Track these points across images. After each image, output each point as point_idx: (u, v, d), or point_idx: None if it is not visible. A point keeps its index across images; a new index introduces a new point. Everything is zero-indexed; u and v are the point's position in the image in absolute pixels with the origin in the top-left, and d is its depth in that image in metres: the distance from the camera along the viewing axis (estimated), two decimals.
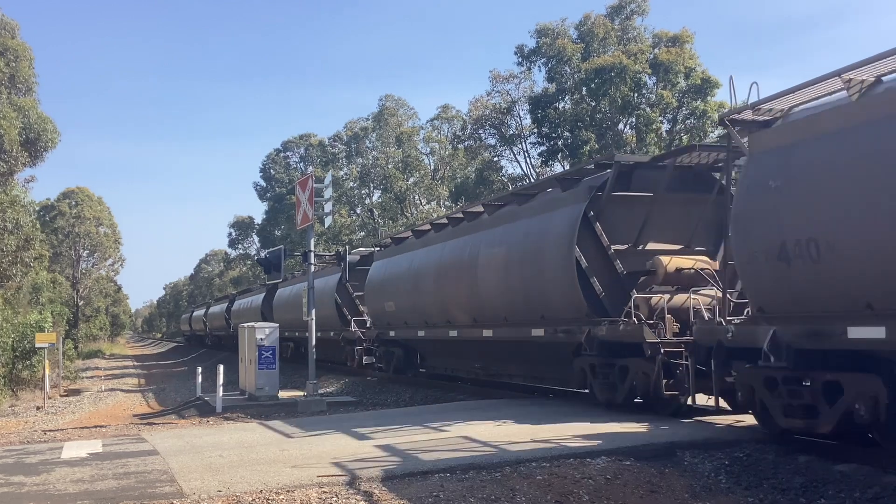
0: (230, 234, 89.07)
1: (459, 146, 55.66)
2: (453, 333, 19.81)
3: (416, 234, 23.48)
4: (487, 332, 18.06)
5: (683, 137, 40.55)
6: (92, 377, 44.06)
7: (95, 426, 18.88)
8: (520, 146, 49.94)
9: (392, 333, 24.25)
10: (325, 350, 30.82)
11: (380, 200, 63.42)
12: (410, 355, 24.71)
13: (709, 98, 40.46)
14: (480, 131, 51.29)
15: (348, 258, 23.79)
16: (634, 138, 41.60)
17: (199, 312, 76.03)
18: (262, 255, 27.45)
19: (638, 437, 11.05)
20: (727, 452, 10.11)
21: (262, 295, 42.87)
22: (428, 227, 22.80)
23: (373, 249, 28.02)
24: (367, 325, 26.90)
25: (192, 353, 68.51)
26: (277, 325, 22.69)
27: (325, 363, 31.42)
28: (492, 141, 50.96)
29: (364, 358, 26.61)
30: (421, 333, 21.88)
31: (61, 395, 31.55)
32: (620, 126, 43.36)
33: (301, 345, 33.60)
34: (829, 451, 9.73)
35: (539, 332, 15.80)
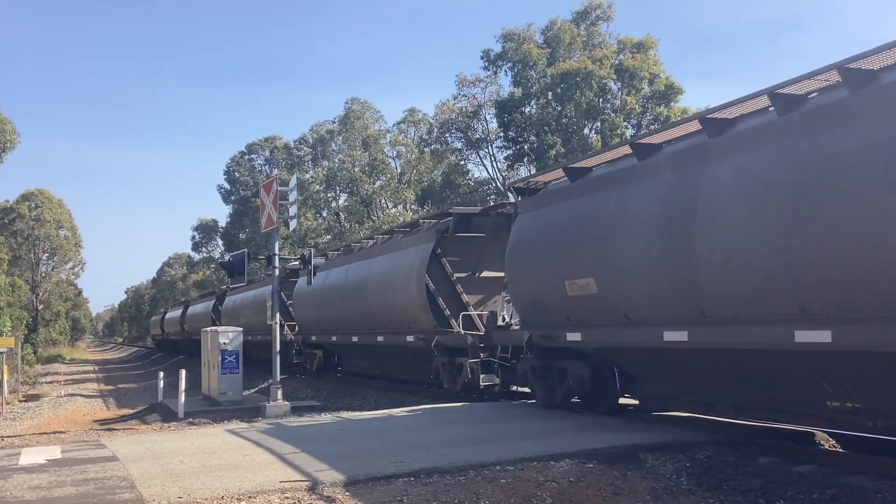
0: (194, 237, 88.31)
1: (426, 150, 55.71)
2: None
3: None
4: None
5: None
6: (51, 382, 43.32)
7: (54, 432, 18.56)
8: (486, 150, 50.13)
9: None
10: (260, 352, 33.71)
11: (346, 204, 63.22)
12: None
13: (672, 104, 40.95)
14: (447, 135, 51.41)
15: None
16: (599, 143, 41.93)
17: (175, 314, 67.05)
18: (226, 258, 27.16)
19: (599, 440, 11.12)
20: (688, 454, 10.20)
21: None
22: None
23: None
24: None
25: (164, 361, 65.62)
26: (241, 329, 22.49)
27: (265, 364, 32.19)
28: (458, 145, 51.12)
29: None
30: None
31: (20, 401, 31.01)
32: (586, 131, 43.70)
33: (247, 349, 34.59)
34: (789, 452, 9.87)
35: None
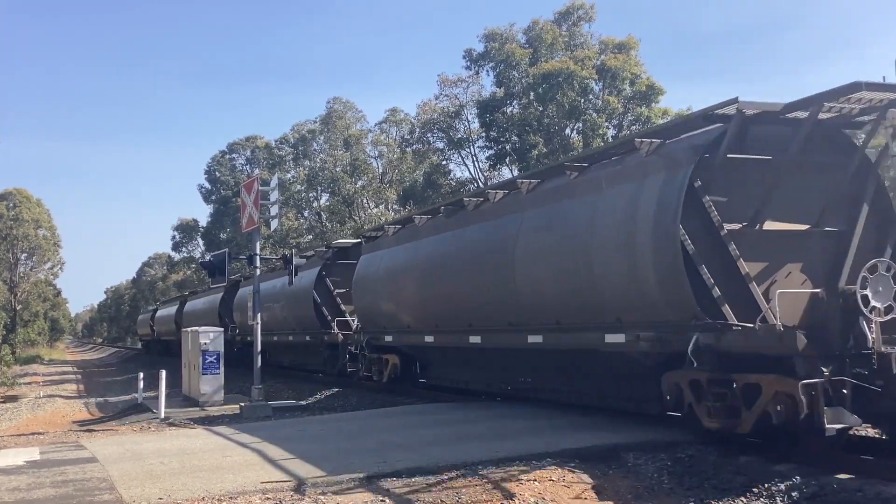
0: (174, 236, 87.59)
1: (408, 149, 55.64)
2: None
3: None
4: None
5: None
6: (30, 383, 42.91)
7: (33, 433, 18.38)
8: (468, 150, 50.11)
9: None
10: (300, 355, 28.81)
11: (328, 203, 63.03)
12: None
13: (653, 104, 41.12)
14: (429, 135, 51.35)
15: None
16: (581, 143, 42.04)
17: (167, 310, 57.91)
18: (207, 258, 26.91)
19: (582, 439, 11.14)
20: (670, 453, 10.24)
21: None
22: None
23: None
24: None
25: (153, 365, 57.42)
26: (221, 329, 22.38)
27: (299, 370, 29.99)
28: (440, 144, 51.05)
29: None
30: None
31: None
32: (567, 131, 43.78)
33: (265, 349, 28.21)
34: (769, 451, 9.93)
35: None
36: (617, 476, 9.50)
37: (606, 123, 42.29)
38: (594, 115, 41.85)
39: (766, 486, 8.74)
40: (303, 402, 21.63)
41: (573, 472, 9.56)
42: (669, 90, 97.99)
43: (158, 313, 64.01)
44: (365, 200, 61.66)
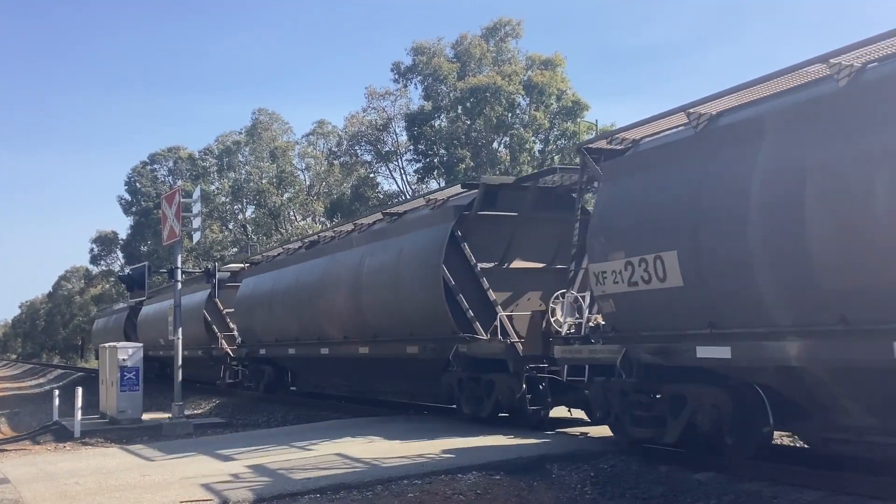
0: (92, 249, 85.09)
1: (335, 162, 55.38)
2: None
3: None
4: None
5: (555, 157, 41.72)
6: None
7: None
8: (396, 163, 50.18)
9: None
10: (192, 369, 29.53)
11: (253, 216, 62.20)
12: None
13: (579, 119, 41.86)
14: (357, 147, 51.27)
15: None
16: (508, 157, 42.51)
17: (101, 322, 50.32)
18: (126, 271, 26.30)
19: (509, 451, 11.19)
20: (593, 464, 10.36)
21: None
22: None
23: (243, 266, 27.85)
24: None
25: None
26: (141, 345, 21.78)
27: (194, 383, 30.48)
28: (368, 157, 51.02)
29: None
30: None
31: None
32: (495, 145, 44.23)
33: (168, 364, 32.12)
34: (689, 460, 10.14)
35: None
36: (541, 487, 9.56)
37: (533, 138, 42.90)
38: (521, 129, 42.39)
39: (686, 494, 8.91)
40: (223, 420, 21.21)
41: (499, 484, 9.59)
42: (595, 106, 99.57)
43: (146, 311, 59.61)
44: (292, 213, 61.06)
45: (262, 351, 23.93)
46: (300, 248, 22.86)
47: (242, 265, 27.98)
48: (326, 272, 19.74)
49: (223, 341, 27.33)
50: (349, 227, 20.19)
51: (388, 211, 18.51)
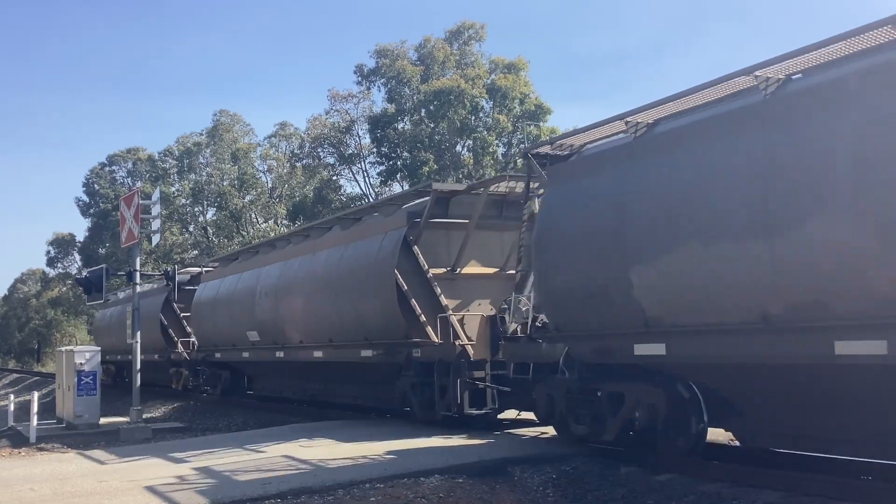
0: (49, 251, 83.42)
1: (297, 164, 54.98)
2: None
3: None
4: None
5: (518, 161, 41.88)
6: None
7: None
8: (359, 166, 49.96)
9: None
10: (150, 373, 29.37)
11: (214, 218, 61.49)
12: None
13: (542, 123, 42.05)
14: (319, 150, 50.92)
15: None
16: (472, 160, 42.56)
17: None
18: (83, 274, 25.83)
19: (469, 453, 11.19)
20: (555, 466, 10.40)
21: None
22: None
23: (201, 269, 27.59)
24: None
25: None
26: (99, 349, 21.42)
27: (152, 387, 30.08)
28: (331, 160, 50.71)
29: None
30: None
31: None
32: (458, 148, 44.25)
33: (124, 368, 31.62)
34: (650, 462, 10.22)
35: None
36: (504, 490, 9.56)
37: (496, 141, 43.00)
38: (484, 132, 42.46)
39: (647, 496, 8.96)
40: (183, 424, 20.93)
41: (461, 487, 9.57)
42: (559, 109, 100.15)
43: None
44: (253, 215, 60.48)
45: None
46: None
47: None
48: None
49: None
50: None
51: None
